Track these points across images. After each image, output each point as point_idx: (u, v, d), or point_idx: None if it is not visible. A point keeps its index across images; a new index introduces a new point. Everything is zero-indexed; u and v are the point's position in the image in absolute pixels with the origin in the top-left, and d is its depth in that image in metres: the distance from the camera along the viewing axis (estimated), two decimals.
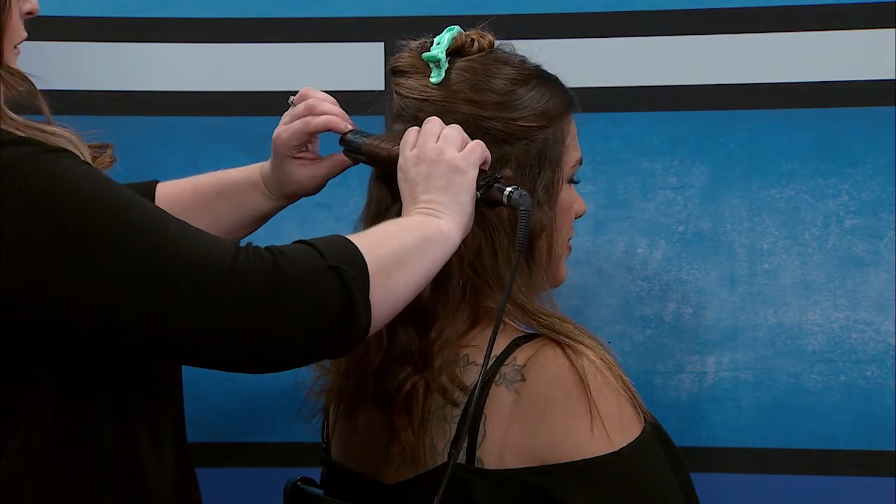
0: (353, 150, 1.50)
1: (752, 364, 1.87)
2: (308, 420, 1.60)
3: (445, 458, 1.42)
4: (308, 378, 1.58)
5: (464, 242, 1.41)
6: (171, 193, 1.60)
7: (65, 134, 1.28)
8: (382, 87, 1.86)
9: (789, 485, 1.86)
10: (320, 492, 1.57)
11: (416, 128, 1.42)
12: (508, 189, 1.39)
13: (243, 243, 1.25)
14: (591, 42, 1.90)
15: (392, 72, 1.51)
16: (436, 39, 1.47)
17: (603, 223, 1.90)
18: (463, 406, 1.42)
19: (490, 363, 1.41)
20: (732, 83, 1.88)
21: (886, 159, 1.85)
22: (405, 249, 1.30)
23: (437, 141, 1.39)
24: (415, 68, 1.48)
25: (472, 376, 1.42)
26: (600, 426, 1.37)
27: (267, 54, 1.94)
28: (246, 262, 1.22)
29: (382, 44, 1.91)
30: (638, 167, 1.90)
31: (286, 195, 1.58)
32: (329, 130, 1.51)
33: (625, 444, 1.37)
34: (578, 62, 1.88)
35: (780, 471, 1.86)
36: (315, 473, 1.62)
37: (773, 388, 1.86)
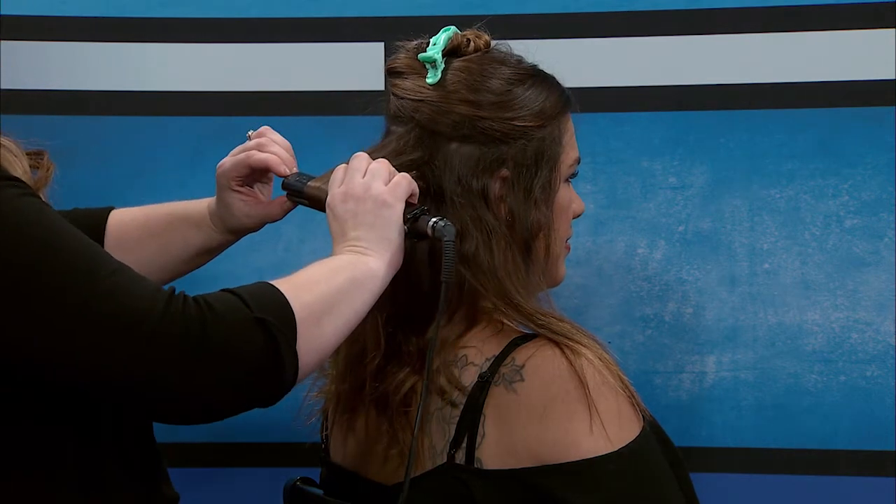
0: (295, 193, 1.50)
1: (752, 364, 1.87)
2: (307, 420, 1.60)
3: (445, 459, 1.41)
4: (308, 378, 1.58)
5: (462, 242, 1.41)
6: (122, 221, 1.60)
7: (6, 144, 1.28)
8: (382, 87, 1.86)
9: (789, 485, 1.86)
10: (320, 492, 1.57)
11: (343, 165, 1.42)
12: (432, 221, 1.38)
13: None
14: (591, 42, 1.90)
15: (388, 73, 1.51)
16: (432, 40, 1.47)
17: (603, 223, 1.90)
18: (462, 406, 1.42)
19: (489, 363, 1.41)
20: (732, 83, 1.88)
21: (886, 159, 1.85)
22: (332, 294, 1.30)
23: (363, 176, 1.39)
24: (411, 69, 1.48)
25: (470, 377, 1.42)
26: (599, 426, 1.37)
27: (267, 54, 1.94)
28: (175, 312, 1.20)
29: (382, 44, 1.91)
30: (638, 167, 1.90)
31: (229, 230, 1.58)
32: (268, 169, 1.52)
33: (624, 444, 1.37)
34: (578, 62, 1.88)
35: (780, 471, 1.86)
36: (315, 473, 1.62)
37: (773, 388, 1.86)
